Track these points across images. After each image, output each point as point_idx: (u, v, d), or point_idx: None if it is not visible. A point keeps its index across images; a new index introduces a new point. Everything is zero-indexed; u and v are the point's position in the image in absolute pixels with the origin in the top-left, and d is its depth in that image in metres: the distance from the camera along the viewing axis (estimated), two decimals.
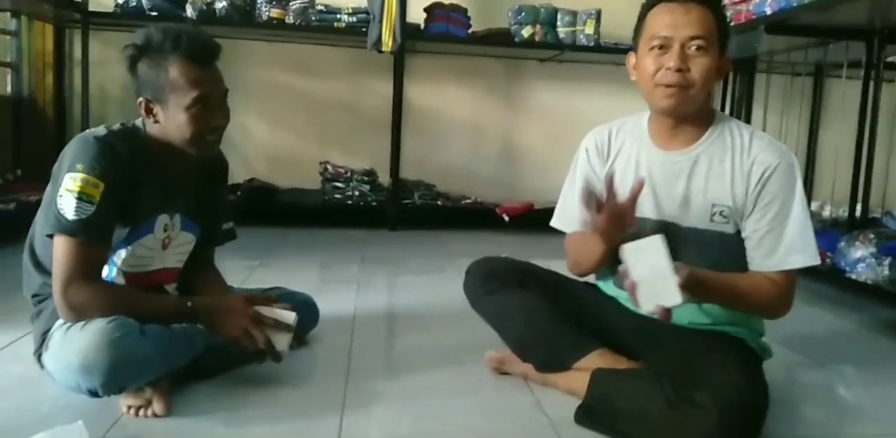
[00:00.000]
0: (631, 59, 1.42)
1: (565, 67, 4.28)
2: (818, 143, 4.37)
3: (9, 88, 3.58)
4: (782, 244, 1.32)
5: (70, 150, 1.36)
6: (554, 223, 1.58)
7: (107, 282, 1.40)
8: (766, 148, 1.35)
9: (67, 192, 1.30)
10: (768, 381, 1.32)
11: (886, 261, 2.21)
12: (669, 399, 1.21)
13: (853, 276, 2.30)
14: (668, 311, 1.15)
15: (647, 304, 1.15)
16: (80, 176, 1.30)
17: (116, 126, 1.42)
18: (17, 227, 2.87)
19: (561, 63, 4.26)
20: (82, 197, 1.29)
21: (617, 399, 1.31)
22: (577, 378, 1.42)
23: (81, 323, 1.29)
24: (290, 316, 1.46)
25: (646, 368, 1.41)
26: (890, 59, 3.19)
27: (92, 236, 1.31)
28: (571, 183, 1.57)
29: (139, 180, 1.40)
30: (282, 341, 1.43)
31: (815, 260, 1.32)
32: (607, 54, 3.89)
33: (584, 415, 1.35)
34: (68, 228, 1.30)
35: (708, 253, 1.37)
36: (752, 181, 1.33)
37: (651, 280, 1.14)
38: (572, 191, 1.54)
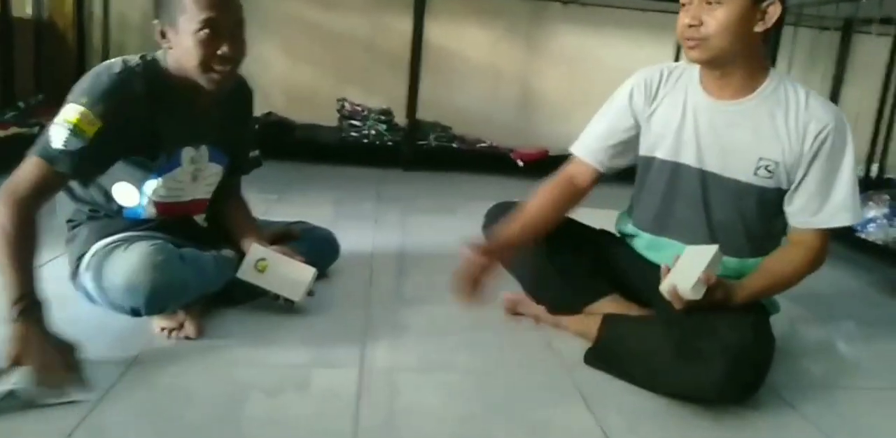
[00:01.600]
0: None
1: (589, 11, 4.18)
2: (840, 101, 4.32)
3: (28, 10, 3.53)
4: (829, 204, 1.35)
5: (83, 82, 1.33)
6: (573, 148, 1.57)
7: (23, 222, 1.23)
8: (822, 107, 1.35)
9: (63, 122, 1.27)
10: (774, 334, 1.37)
11: None
12: (678, 347, 1.26)
13: (863, 236, 2.33)
14: (678, 298, 1.27)
15: (666, 285, 1.29)
16: (82, 109, 1.27)
17: (135, 60, 1.38)
18: None
19: (584, 6, 4.16)
20: (75, 130, 1.26)
21: (626, 343, 1.37)
22: (588, 322, 1.48)
23: (125, 245, 1.35)
24: (309, 272, 1.51)
25: (656, 316, 1.46)
26: None
27: (68, 169, 1.28)
28: (603, 114, 1.54)
29: (158, 114, 1.38)
30: (297, 292, 1.50)
31: (858, 219, 1.37)
32: None
33: (594, 357, 1.42)
34: (49, 155, 1.26)
35: (743, 206, 1.40)
36: (808, 139, 1.33)
37: (683, 270, 1.28)
38: (599, 124, 1.54)
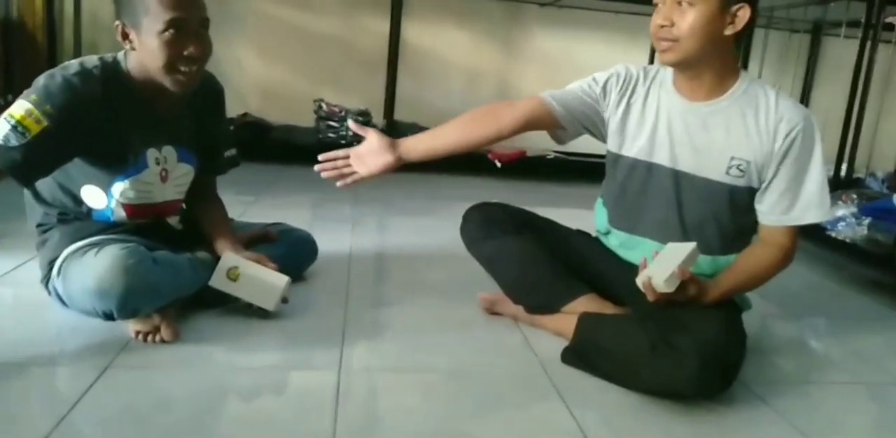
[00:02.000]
0: None
1: (565, 13, 4.22)
2: (810, 102, 4.40)
3: None
4: (799, 201, 1.38)
5: (38, 80, 1.30)
6: (543, 93, 1.55)
7: None
8: (791, 108, 1.38)
9: (8, 116, 1.25)
10: (746, 331, 1.40)
11: (866, 221, 2.28)
12: (652, 343, 1.27)
13: (833, 234, 2.38)
14: (651, 289, 1.30)
15: (642, 276, 1.32)
16: (29, 107, 1.25)
17: (94, 61, 1.36)
18: None
19: (561, 8, 4.20)
20: (17, 127, 1.24)
21: (602, 342, 1.38)
22: (566, 321, 1.49)
23: (95, 249, 1.33)
24: (282, 280, 1.50)
25: (632, 314, 1.48)
26: (889, 20, 3.19)
27: (3, 165, 1.25)
28: (580, 84, 1.54)
29: (119, 116, 1.36)
30: (270, 301, 1.49)
31: (827, 216, 1.41)
32: (607, 1, 3.83)
33: (571, 355, 1.43)
34: None
35: (714, 204, 1.43)
36: (779, 139, 1.36)
37: (660, 263, 1.31)
38: (574, 87, 1.53)
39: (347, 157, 1.50)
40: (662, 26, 1.33)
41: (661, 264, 1.31)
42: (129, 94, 1.38)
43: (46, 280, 1.44)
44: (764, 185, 1.40)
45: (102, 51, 1.43)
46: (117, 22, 1.34)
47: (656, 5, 1.36)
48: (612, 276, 1.55)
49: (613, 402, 1.29)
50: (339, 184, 1.51)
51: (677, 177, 1.44)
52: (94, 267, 1.29)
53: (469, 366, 1.41)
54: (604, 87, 1.51)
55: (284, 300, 1.52)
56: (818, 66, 4.38)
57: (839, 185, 2.93)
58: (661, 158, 1.46)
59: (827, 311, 2.03)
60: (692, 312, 1.32)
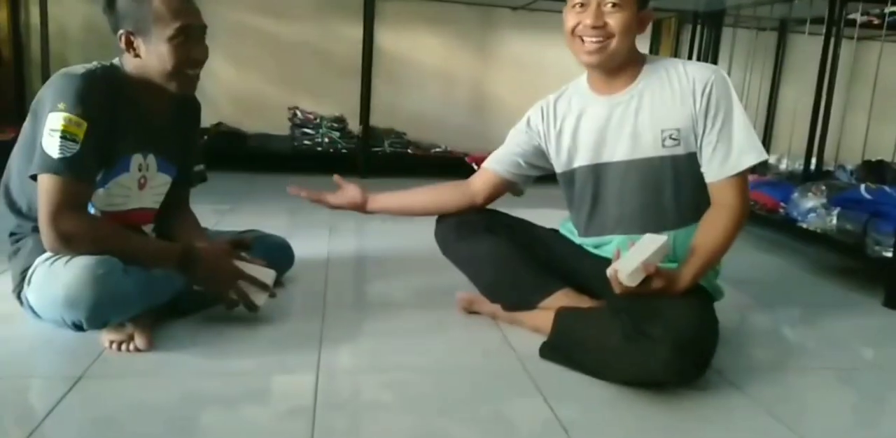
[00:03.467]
0: (565, 15, 1.48)
1: (538, 16, 4.26)
2: (778, 98, 4.48)
3: None
4: (733, 149, 1.43)
5: (51, 88, 1.35)
6: (485, 163, 1.70)
7: (95, 216, 1.42)
8: (699, 68, 1.47)
9: (52, 132, 1.31)
10: (720, 323, 1.41)
11: (835, 212, 2.32)
12: (626, 333, 1.29)
13: (804, 225, 2.41)
14: (617, 282, 1.32)
15: (611, 268, 1.34)
16: (64, 115, 1.31)
17: (94, 64, 1.41)
18: None
19: (533, 12, 4.24)
20: (66, 135, 1.31)
21: (578, 335, 1.40)
22: (543, 317, 1.50)
23: (66, 258, 1.31)
24: (269, 275, 1.51)
25: (606, 306, 1.49)
26: (851, 16, 3.26)
27: (76, 174, 1.33)
28: (507, 139, 1.68)
29: (116, 119, 1.40)
30: (259, 296, 1.49)
31: (763, 156, 1.44)
32: None
33: (549, 350, 1.44)
34: (54, 167, 1.30)
35: (662, 181, 1.48)
36: (697, 98, 1.43)
37: (631, 256, 1.33)
38: (501, 147, 1.68)
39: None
40: (595, 27, 1.39)
41: (631, 257, 1.33)
42: (126, 97, 1.42)
43: (19, 290, 1.42)
44: (698, 143, 1.45)
45: (72, 63, 1.45)
46: (121, 31, 1.40)
47: (575, 6, 1.42)
48: (587, 270, 1.56)
49: (592, 395, 1.30)
50: (304, 194, 1.68)
51: (621, 167, 1.49)
52: (63, 276, 1.28)
53: (448, 365, 1.41)
54: (528, 125, 1.63)
55: (272, 294, 1.53)
56: (785, 62, 4.46)
57: (809, 178, 2.99)
58: (604, 156, 1.51)
59: (799, 300, 2.07)
60: (664, 301, 1.34)
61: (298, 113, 3.88)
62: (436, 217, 1.69)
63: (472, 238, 1.61)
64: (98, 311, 1.28)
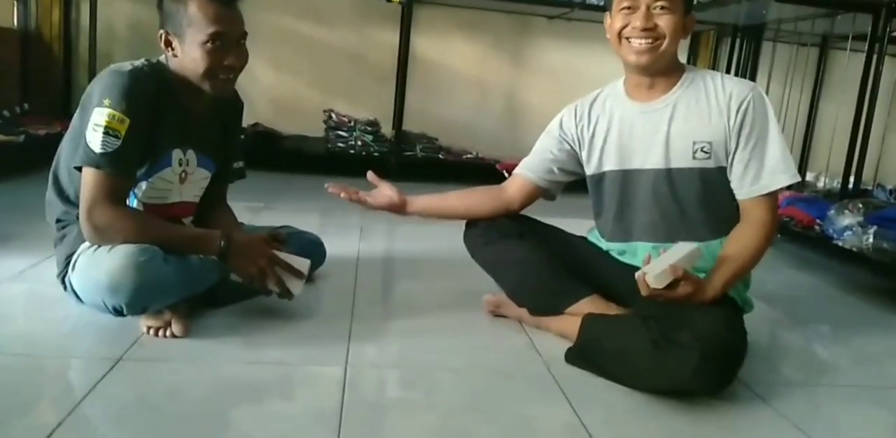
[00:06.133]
0: (607, 18, 1.51)
1: (574, 26, 4.27)
2: (818, 115, 4.41)
3: (15, 22, 3.55)
4: (765, 168, 1.43)
5: (99, 84, 1.40)
6: (517, 170, 1.71)
7: (132, 208, 1.47)
8: (737, 84, 1.47)
9: (96, 127, 1.36)
10: (750, 337, 1.40)
11: (872, 230, 2.28)
12: (654, 341, 1.29)
13: (840, 243, 2.38)
14: (644, 284, 1.31)
15: (639, 271, 1.35)
16: (108, 111, 1.36)
17: (141, 62, 1.46)
18: (25, 159, 2.93)
19: (570, 21, 4.25)
20: (109, 131, 1.35)
21: (605, 342, 1.40)
22: (569, 322, 1.51)
23: (109, 246, 1.36)
24: (304, 264, 1.53)
25: (634, 313, 1.49)
26: (895, 34, 3.21)
27: (116, 168, 1.37)
28: (538, 142, 1.68)
29: (161, 115, 1.44)
30: (295, 285, 1.52)
31: (795, 178, 1.44)
32: None
33: (575, 356, 1.44)
34: (95, 161, 1.36)
35: (691, 192, 1.48)
36: (732, 114, 1.43)
37: (661, 260, 1.34)
38: (534, 150, 1.68)
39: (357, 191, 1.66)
40: (646, 29, 1.40)
41: (660, 261, 1.33)
42: (171, 95, 1.47)
43: (63, 275, 1.47)
44: (729, 159, 1.45)
45: (117, 61, 1.51)
46: (161, 30, 1.45)
47: (622, 9, 1.43)
48: (615, 277, 1.56)
49: (617, 402, 1.30)
50: (342, 194, 1.64)
51: (650, 176, 1.50)
52: (107, 263, 1.33)
53: (474, 366, 1.43)
54: (561, 127, 1.63)
55: (310, 279, 1.57)
56: (825, 79, 4.40)
57: (847, 197, 2.94)
58: (635, 163, 1.52)
59: (832, 317, 2.03)
60: (693, 309, 1.33)
61: (333, 115, 3.94)
62: (465, 220, 1.70)
63: (501, 242, 1.62)
64: (138, 297, 1.32)
